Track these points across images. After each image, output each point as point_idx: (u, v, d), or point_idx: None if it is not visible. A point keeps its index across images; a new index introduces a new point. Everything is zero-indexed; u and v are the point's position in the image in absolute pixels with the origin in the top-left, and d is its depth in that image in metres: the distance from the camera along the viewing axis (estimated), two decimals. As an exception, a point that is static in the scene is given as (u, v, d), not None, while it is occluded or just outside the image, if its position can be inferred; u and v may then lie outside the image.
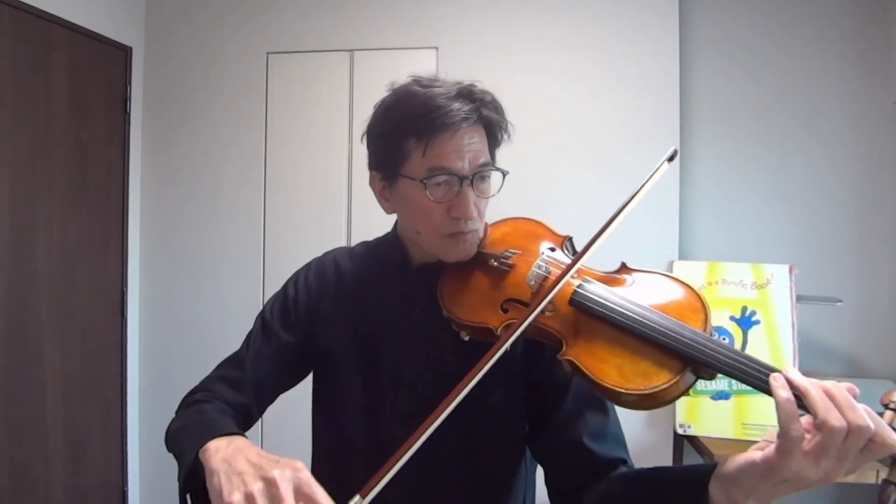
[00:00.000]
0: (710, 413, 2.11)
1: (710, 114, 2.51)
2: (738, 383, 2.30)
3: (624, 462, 0.83)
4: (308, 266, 1.05)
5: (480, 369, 0.69)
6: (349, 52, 2.60)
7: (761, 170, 2.48)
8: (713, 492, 0.64)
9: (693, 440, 2.13)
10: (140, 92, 2.75)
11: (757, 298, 2.22)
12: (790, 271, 2.23)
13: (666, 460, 2.35)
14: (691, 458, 2.37)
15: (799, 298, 2.20)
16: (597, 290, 0.74)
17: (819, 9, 2.44)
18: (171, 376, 2.70)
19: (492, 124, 0.88)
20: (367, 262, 1.01)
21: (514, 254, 0.85)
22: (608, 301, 0.72)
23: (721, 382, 2.16)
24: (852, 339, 2.40)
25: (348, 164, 2.56)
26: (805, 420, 0.56)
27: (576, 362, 0.70)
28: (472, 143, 0.84)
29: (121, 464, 2.64)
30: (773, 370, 0.60)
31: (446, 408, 0.67)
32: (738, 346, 2.20)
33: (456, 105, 0.81)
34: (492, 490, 0.92)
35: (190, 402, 0.94)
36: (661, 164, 0.79)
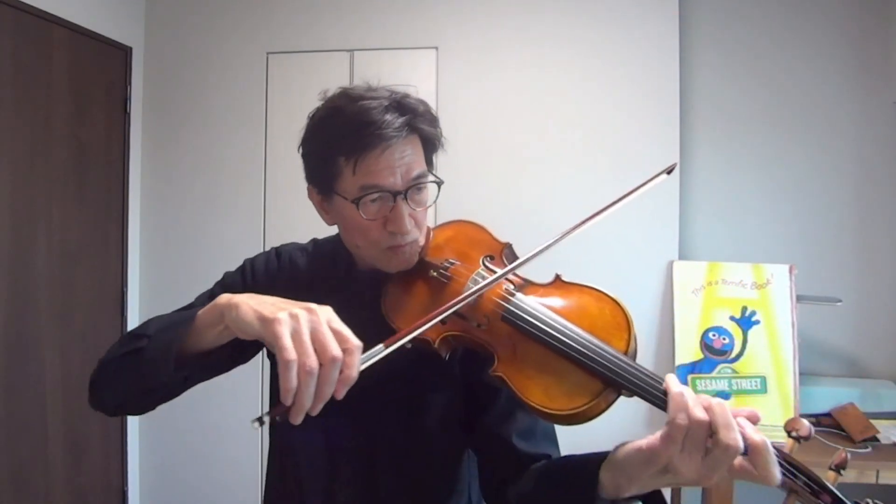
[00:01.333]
0: (710, 413, 2.11)
1: (710, 114, 2.51)
2: (738, 383, 2.29)
3: (549, 457, 0.86)
4: (266, 254, 1.05)
5: (404, 337, 0.71)
6: (349, 52, 2.61)
7: (761, 170, 2.48)
8: (603, 477, 0.68)
9: None
10: (140, 92, 2.75)
11: (757, 298, 2.22)
12: (790, 271, 2.23)
13: (666, 460, 2.35)
14: (691, 458, 2.37)
15: (799, 298, 2.20)
16: (527, 308, 0.75)
17: (819, 9, 2.44)
18: (171, 376, 2.70)
19: (426, 135, 0.86)
20: (317, 261, 1.01)
21: (453, 264, 0.86)
22: (536, 319, 0.73)
23: (721, 382, 2.17)
24: (852, 339, 2.40)
25: (348, 164, 2.55)
26: None
27: (505, 378, 0.72)
28: (405, 156, 0.82)
29: (121, 464, 2.64)
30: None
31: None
32: (738, 346, 2.20)
33: (387, 119, 0.80)
34: (435, 483, 0.94)
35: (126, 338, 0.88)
36: (659, 175, 0.81)
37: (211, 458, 2.67)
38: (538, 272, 0.85)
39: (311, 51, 2.64)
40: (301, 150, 0.91)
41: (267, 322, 0.63)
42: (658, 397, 0.64)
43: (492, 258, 0.87)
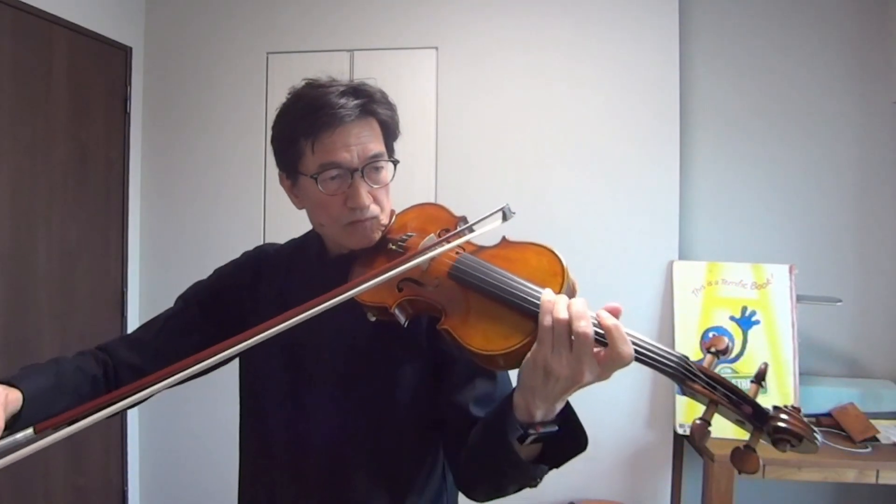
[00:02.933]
0: (710, 413, 2.11)
1: (711, 114, 2.51)
2: (739, 383, 2.31)
3: None
4: (237, 260, 1.11)
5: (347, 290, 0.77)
6: (349, 52, 2.61)
7: (761, 170, 2.48)
8: (516, 399, 0.73)
9: (693, 440, 2.13)
10: (140, 92, 2.75)
11: (757, 298, 2.22)
12: (790, 271, 2.23)
13: (666, 460, 2.36)
14: (691, 458, 2.37)
15: (799, 298, 2.20)
16: (471, 263, 0.81)
17: (818, 9, 2.44)
18: (171, 376, 2.70)
19: (382, 119, 0.92)
20: (290, 255, 1.07)
21: (410, 237, 0.92)
22: (477, 272, 0.79)
23: (721, 382, 2.16)
24: (852, 339, 2.40)
25: (348, 164, 2.55)
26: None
27: (450, 330, 0.76)
28: (361, 136, 0.88)
29: (121, 464, 2.64)
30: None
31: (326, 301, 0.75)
32: (738, 346, 2.20)
33: (341, 101, 0.87)
34: (406, 465, 0.95)
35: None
36: (495, 212, 0.85)
37: (211, 458, 2.67)
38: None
39: (311, 51, 2.64)
40: (270, 139, 0.97)
41: None
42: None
43: (447, 230, 0.91)
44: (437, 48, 2.55)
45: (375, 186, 0.90)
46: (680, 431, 2.23)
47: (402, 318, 0.84)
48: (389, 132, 0.95)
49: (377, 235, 0.93)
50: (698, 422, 0.65)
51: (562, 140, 2.46)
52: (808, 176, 2.45)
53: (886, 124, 2.39)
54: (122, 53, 2.64)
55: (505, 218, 0.85)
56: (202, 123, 2.73)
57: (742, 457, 0.65)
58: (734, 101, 2.49)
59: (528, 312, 0.71)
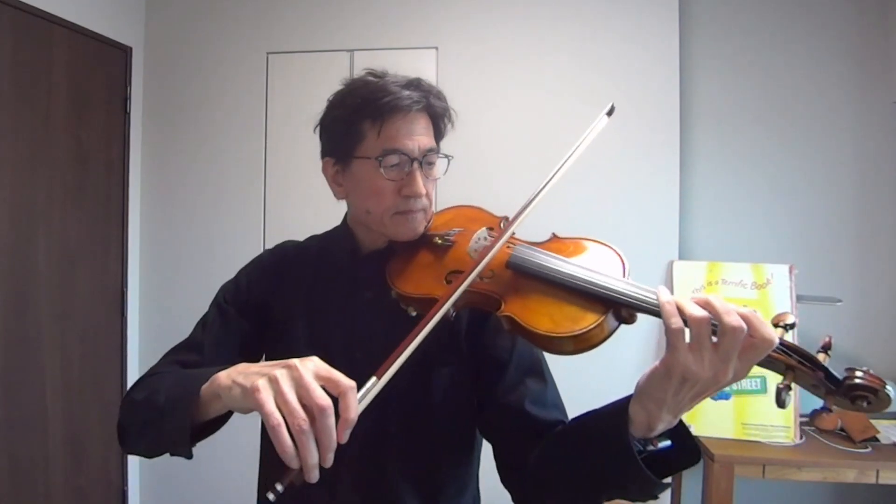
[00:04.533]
0: (710, 413, 2.11)
1: (710, 114, 2.51)
2: (738, 384, 2.29)
3: (563, 423, 0.88)
4: (260, 258, 1.08)
5: (433, 317, 0.74)
6: (349, 52, 2.61)
7: (761, 170, 2.48)
8: (633, 411, 0.69)
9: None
10: (140, 92, 2.75)
11: (757, 298, 2.22)
12: (790, 271, 2.23)
13: (666, 460, 2.35)
14: (691, 458, 2.37)
15: (799, 298, 2.20)
16: (529, 252, 0.83)
17: (818, 10, 2.44)
18: (171, 376, 2.70)
19: (437, 114, 0.94)
20: (318, 252, 1.04)
21: (456, 232, 0.92)
22: (538, 259, 0.80)
23: (721, 382, 2.16)
24: (852, 339, 2.40)
25: (348, 164, 2.56)
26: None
27: (513, 316, 0.76)
28: (421, 128, 0.91)
29: (121, 464, 2.64)
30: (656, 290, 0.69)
31: (415, 338, 0.72)
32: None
33: (406, 92, 0.89)
34: (444, 468, 0.94)
35: (147, 379, 0.91)
36: (599, 118, 0.89)
37: (211, 458, 2.66)
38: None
39: (311, 51, 2.64)
40: (321, 125, 0.98)
41: (248, 393, 0.63)
42: (653, 308, 0.68)
43: (491, 229, 0.93)
44: (437, 48, 2.55)
45: (429, 179, 0.92)
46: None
47: (451, 311, 0.83)
48: (440, 130, 0.96)
49: (422, 228, 0.93)
50: (780, 386, 0.66)
51: (562, 140, 2.46)
52: (808, 176, 2.45)
53: (886, 124, 2.39)
54: (122, 53, 2.64)
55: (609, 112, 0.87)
56: (202, 123, 2.73)
57: (820, 416, 0.67)
58: (734, 102, 2.49)
59: (595, 296, 0.73)
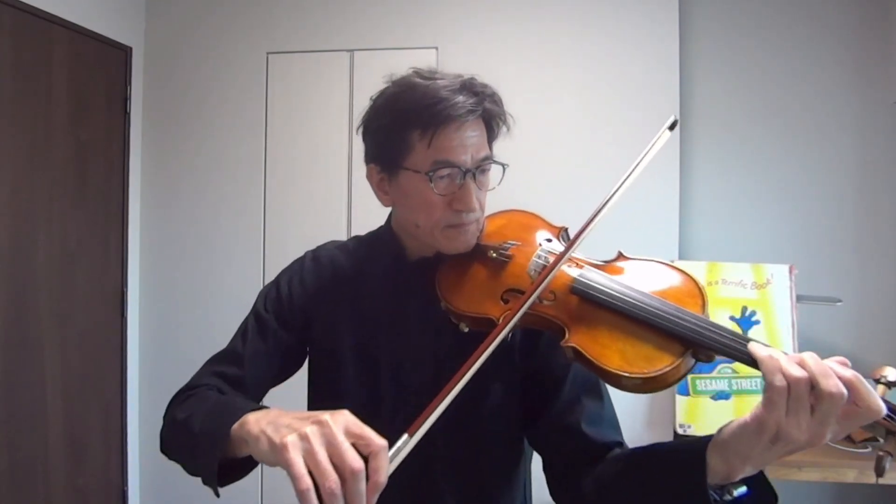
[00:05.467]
0: (710, 413, 2.11)
1: (710, 114, 2.51)
2: (738, 383, 2.28)
3: (619, 444, 0.85)
4: (301, 262, 1.03)
5: (490, 344, 0.70)
6: (349, 52, 2.60)
7: (761, 170, 2.48)
8: (711, 460, 0.65)
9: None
10: (140, 92, 2.75)
11: (757, 298, 2.22)
12: (790, 271, 2.23)
13: (666, 460, 2.35)
14: (691, 458, 2.37)
15: (799, 298, 2.20)
16: (597, 278, 0.76)
17: (818, 9, 2.44)
18: (171, 376, 2.69)
19: (492, 118, 0.88)
20: (362, 256, 0.99)
21: (512, 245, 0.85)
22: (608, 288, 0.73)
23: (721, 382, 2.16)
24: (852, 339, 2.40)
25: (348, 164, 2.55)
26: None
27: (579, 349, 0.70)
28: (474, 136, 0.84)
29: (121, 464, 2.64)
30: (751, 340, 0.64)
31: (472, 366, 0.68)
32: (738, 346, 2.20)
33: (460, 98, 0.81)
34: (491, 480, 0.92)
35: (190, 394, 0.90)
36: (662, 132, 0.81)
37: (211, 458, 2.67)
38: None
39: (311, 51, 2.63)
40: (365, 129, 0.90)
41: (277, 450, 0.61)
42: (743, 358, 0.63)
43: (549, 240, 0.87)
44: (437, 48, 2.55)
45: (481, 190, 0.86)
46: (680, 431, 2.23)
47: (508, 335, 0.79)
48: (493, 132, 0.91)
49: (475, 241, 0.87)
50: (881, 453, 0.62)
51: (562, 140, 2.46)
52: (808, 176, 2.45)
53: (886, 124, 2.39)
54: (122, 53, 2.64)
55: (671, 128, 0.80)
56: (202, 123, 2.73)
57: (882, 462, 0.62)
58: (734, 102, 2.49)
59: (672, 334, 0.66)
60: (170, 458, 0.90)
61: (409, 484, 0.87)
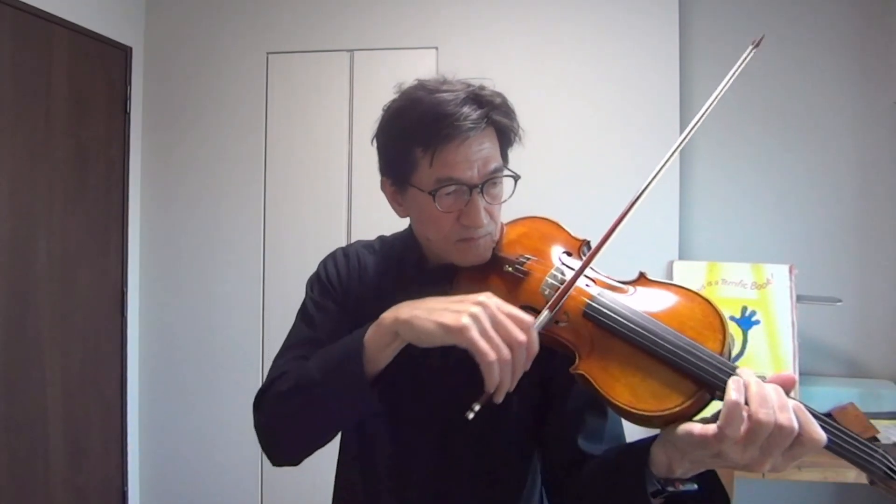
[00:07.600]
0: (710, 411, 2.11)
1: (711, 114, 2.48)
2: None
3: None
4: (333, 256, 1.03)
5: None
6: (349, 52, 2.60)
7: (761, 170, 2.48)
8: (654, 451, 0.68)
9: None
10: (140, 92, 2.75)
11: (757, 298, 2.22)
12: (790, 271, 2.23)
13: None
14: (691, 458, 2.37)
15: (799, 298, 2.20)
16: (612, 304, 0.73)
17: (818, 9, 2.44)
18: (171, 376, 2.70)
19: (501, 127, 0.86)
20: (385, 258, 1.00)
21: (528, 259, 0.84)
22: (622, 317, 0.71)
23: (721, 382, 2.17)
24: (852, 339, 2.40)
25: (348, 164, 2.55)
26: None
27: (588, 377, 0.69)
28: (482, 149, 0.82)
29: (121, 464, 2.64)
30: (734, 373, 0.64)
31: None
32: (738, 346, 2.20)
33: (464, 111, 0.79)
34: (507, 487, 0.93)
35: (280, 376, 0.87)
36: (749, 52, 0.83)
37: (211, 458, 2.67)
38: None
39: (311, 51, 2.63)
40: (376, 142, 0.89)
41: (455, 332, 0.67)
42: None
43: (568, 254, 0.85)
44: (437, 48, 2.55)
45: (492, 203, 0.84)
46: (680, 431, 2.23)
47: None
48: (506, 140, 0.88)
49: (489, 254, 0.86)
50: (879, 492, 0.61)
51: (562, 140, 2.46)
52: (808, 176, 2.45)
53: (886, 124, 2.39)
54: (122, 53, 2.64)
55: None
56: (202, 123, 2.73)
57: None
58: (734, 102, 2.49)
59: (686, 372, 0.64)
60: (283, 445, 0.87)
61: (430, 495, 0.90)
